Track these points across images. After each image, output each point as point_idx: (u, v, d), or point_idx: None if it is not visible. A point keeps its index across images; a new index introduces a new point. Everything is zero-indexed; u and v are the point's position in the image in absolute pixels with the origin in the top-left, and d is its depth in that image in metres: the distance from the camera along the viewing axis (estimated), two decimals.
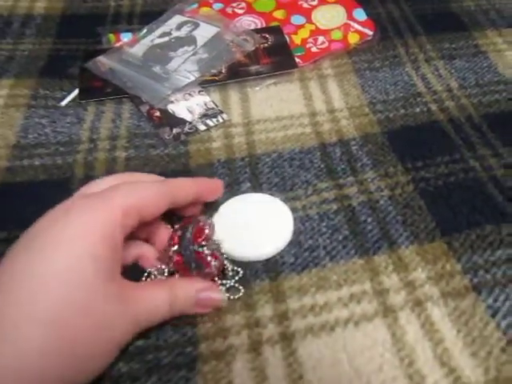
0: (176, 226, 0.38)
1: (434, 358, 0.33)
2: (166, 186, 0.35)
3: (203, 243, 0.35)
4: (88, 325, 0.28)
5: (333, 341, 0.34)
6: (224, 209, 0.41)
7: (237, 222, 0.40)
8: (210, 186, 0.40)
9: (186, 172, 0.46)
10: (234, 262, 0.38)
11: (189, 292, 0.34)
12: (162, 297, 0.32)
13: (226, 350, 0.34)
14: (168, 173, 0.45)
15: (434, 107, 0.52)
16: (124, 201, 0.31)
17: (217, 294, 0.35)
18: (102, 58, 0.56)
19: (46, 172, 0.45)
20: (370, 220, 0.42)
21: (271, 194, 0.43)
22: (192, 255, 0.35)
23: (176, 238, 0.35)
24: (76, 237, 0.29)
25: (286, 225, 0.41)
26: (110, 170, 0.46)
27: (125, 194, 0.32)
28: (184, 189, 0.37)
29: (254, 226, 0.40)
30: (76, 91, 0.53)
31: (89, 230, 0.29)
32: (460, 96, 0.53)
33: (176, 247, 0.35)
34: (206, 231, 0.36)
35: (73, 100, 0.53)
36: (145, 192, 0.33)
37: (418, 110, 0.52)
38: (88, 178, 0.45)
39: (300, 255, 0.39)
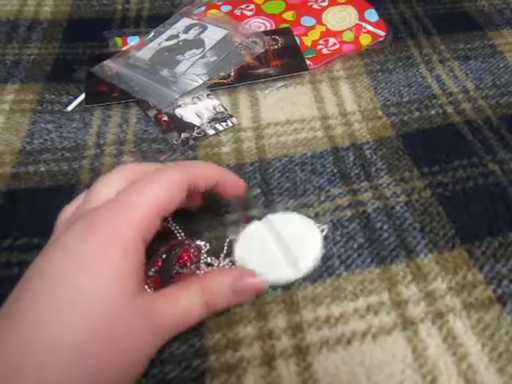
0: (162, 249, 0.36)
1: (459, 375, 0.31)
2: (185, 175, 0.32)
3: (187, 264, 0.34)
4: (114, 349, 0.26)
5: (350, 355, 0.32)
6: (249, 230, 0.39)
7: (260, 244, 0.38)
8: (232, 180, 0.37)
9: None
10: None
11: (224, 282, 0.32)
12: (193, 298, 0.30)
13: (236, 363, 0.32)
14: None
15: (449, 109, 0.50)
16: (145, 210, 0.29)
17: (255, 277, 0.33)
18: (108, 63, 0.55)
19: (51, 178, 0.44)
20: (386, 227, 0.40)
21: (284, 205, 0.42)
22: (171, 276, 0.34)
23: (160, 261, 0.34)
24: (100, 258, 0.27)
25: (313, 250, 0.38)
26: None
27: (145, 201, 0.29)
28: (204, 177, 0.34)
29: (278, 249, 0.37)
30: (82, 96, 0.52)
31: (112, 248, 0.27)
32: (477, 97, 0.52)
33: (157, 268, 0.34)
34: (191, 253, 0.35)
35: (79, 105, 0.52)
36: (163, 193, 0.30)
37: (433, 112, 0.50)
38: None
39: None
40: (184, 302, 0.30)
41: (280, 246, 0.37)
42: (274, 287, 0.36)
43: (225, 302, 0.32)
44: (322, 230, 0.40)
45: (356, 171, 0.45)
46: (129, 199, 0.30)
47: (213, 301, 0.31)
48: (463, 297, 0.35)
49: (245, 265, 0.36)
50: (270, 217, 0.39)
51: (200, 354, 0.33)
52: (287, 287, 0.36)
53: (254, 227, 0.39)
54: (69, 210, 0.33)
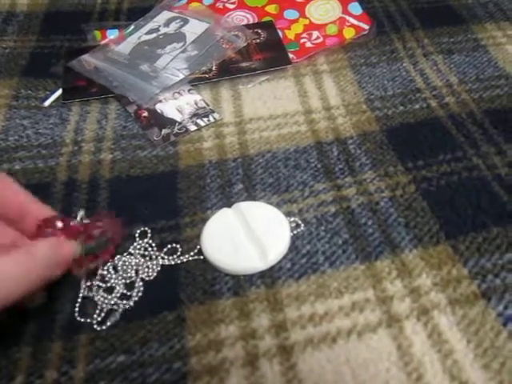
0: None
1: (444, 372, 0.31)
2: None
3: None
4: None
5: (335, 354, 0.32)
6: (213, 220, 0.39)
7: (227, 233, 0.38)
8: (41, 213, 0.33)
9: (175, 173, 0.43)
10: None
11: (44, 247, 0.30)
12: (14, 258, 0.28)
13: (219, 365, 0.32)
14: (157, 175, 0.43)
15: (433, 103, 0.50)
16: None
17: (70, 244, 0.32)
18: (86, 57, 0.53)
19: (25, 176, 0.43)
20: (370, 223, 0.40)
21: (267, 201, 0.41)
22: None
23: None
24: None
25: (282, 236, 0.38)
26: (94, 173, 0.43)
27: None
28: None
29: (245, 237, 0.37)
30: (60, 91, 0.51)
31: None
32: (460, 91, 0.51)
33: None
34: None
35: (56, 100, 0.50)
36: None
37: (417, 106, 0.50)
38: (71, 181, 0.42)
39: (297, 261, 0.37)
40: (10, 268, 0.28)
41: (248, 235, 0.37)
42: (255, 284, 0.36)
43: (47, 270, 0.30)
44: (297, 225, 0.39)
45: (340, 166, 0.44)
46: None
47: (34, 267, 0.29)
48: (448, 292, 0.35)
49: (211, 252, 0.36)
50: (240, 204, 0.39)
51: (181, 356, 0.32)
52: (271, 285, 0.36)
53: (223, 214, 0.39)
54: None
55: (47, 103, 0.50)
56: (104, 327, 0.33)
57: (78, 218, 0.37)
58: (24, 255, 0.28)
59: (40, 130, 0.47)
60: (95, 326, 0.33)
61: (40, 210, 0.33)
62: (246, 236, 0.37)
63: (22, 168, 0.43)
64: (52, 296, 0.35)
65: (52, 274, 0.30)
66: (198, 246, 0.38)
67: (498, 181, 0.42)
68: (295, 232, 0.39)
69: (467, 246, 0.38)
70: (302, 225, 0.39)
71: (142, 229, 0.39)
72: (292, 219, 0.39)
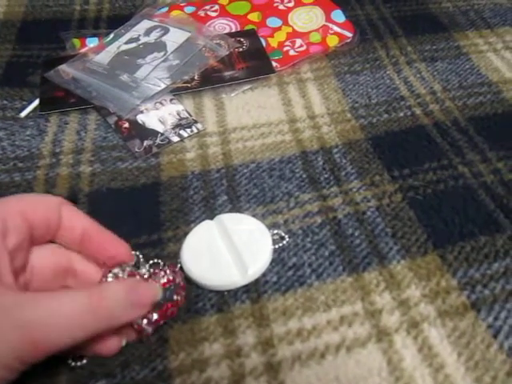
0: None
1: None
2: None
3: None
4: None
5: (323, 370, 0.31)
6: (194, 233, 0.37)
7: (208, 247, 0.36)
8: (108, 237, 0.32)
9: (157, 185, 0.42)
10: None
11: (118, 291, 0.27)
12: (78, 298, 0.25)
13: None
14: (138, 187, 0.42)
15: (418, 111, 0.50)
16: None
17: (150, 287, 0.29)
18: (64, 67, 0.52)
19: (2, 190, 0.41)
20: (357, 233, 0.39)
21: (252, 212, 0.40)
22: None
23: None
24: None
25: (263, 250, 0.36)
26: (73, 187, 0.42)
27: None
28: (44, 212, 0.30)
29: (226, 251, 0.36)
30: (37, 101, 0.49)
31: None
32: (444, 99, 0.51)
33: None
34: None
35: (34, 111, 0.49)
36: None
37: (401, 114, 0.49)
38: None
39: (283, 274, 0.36)
40: (68, 303, 0.25)
41: (229, 248, 0.36)
42: (240, 298, 0.34)
43: (121, 313, 0.27)
44: (282, 237, 0.38)
45: (325, 176, 0.43)
46: None
47: (103, 309, 0.26)
48: (437, 304, 0.34)
49: (190, 266, 0.35)
50: (222, 216, 0.38)
51: (163, 378, 0.31)
52: (256, 300, 0.35)
53: (204, 227, 0.38)
54: None
55: (24, 114, 0.48)
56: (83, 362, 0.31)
57: (147, 266, 0.34)
58: (90, 297, 0.25)
59: (16, 142, 0.46)
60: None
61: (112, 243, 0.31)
62: (226, 250, 0.36)
63: None
64: None
65: (128, 318, 0.27)
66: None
67: (484, 189, 0.42)
68: (280, 245, 0.38)
69: (455, 255, 0.37)
70: (287, 237, 0.38)
71: None
72: (276, 231, 0.38)
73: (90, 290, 0.26)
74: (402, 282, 0.35)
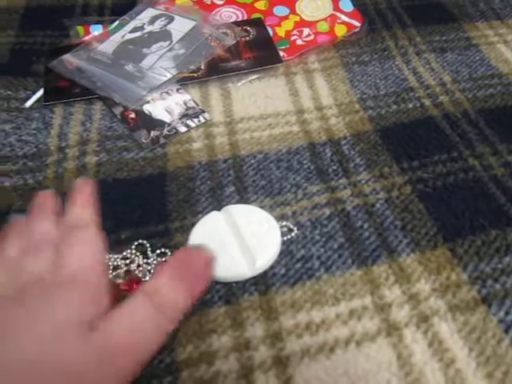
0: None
1: (446, 382, 0.30)
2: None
3: None
4: None
5: (333, 365, 0.31)
6: (201, 224, 0.37)
7: (215, 238, 0.36)
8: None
9: (163, 175, 0.42)
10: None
11: (161, 274, 0.24)
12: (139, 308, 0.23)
13: (211, 379, 0.30)
14: (144, 177, 0.41)
15: (427, 102, 0.49)
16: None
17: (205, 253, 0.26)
18: (68, 57, 0.51)
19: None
20: (366, 226, 0.38)
21: (260, 204, 0.40)
22: None
23: None
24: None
25: (272, 243, 0.36)
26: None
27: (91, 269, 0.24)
28: None
29: (234, 243, 0.36)
30: (41, 91, 0.49)
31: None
32: (454, 90, 0.50)
33: None
34: None
35: (38, 101, 0.48)
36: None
37: (410, 105, 0.49)
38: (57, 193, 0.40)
39: (292, 266, 0.36)
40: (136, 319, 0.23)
41: (237, 240, 0.36)
42: (248, 290, 0.34)
43: (175, 294, 0.24)
44: (290, 230, 0.38)
45: (334, 167, 0.43)
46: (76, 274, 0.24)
47: (163, 299, 0.24)
48: (448, 298, 0.34)
49: None
50: (229, 207, 0.38)
51: (171, 371, 0.30)
52: (264, 292, 0.34)
53: (212, 218, 0.37)
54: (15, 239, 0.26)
55: (28, 104, 0.48)
56: None
57: (154, 256, 0.34)
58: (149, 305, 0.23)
59: (23, 137, 0.45)
60: None
61: None
62: (234, 241, 0.36)
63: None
64: None
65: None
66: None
67: (494, 182, 0.41)
68: (288, 237, 0.37)
69: (466, 249, 0.37)
70: (295, 229, 0.38)
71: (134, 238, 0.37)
72: (284, 223, 0.38)
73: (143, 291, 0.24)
74: (411, 276, 0.35)
